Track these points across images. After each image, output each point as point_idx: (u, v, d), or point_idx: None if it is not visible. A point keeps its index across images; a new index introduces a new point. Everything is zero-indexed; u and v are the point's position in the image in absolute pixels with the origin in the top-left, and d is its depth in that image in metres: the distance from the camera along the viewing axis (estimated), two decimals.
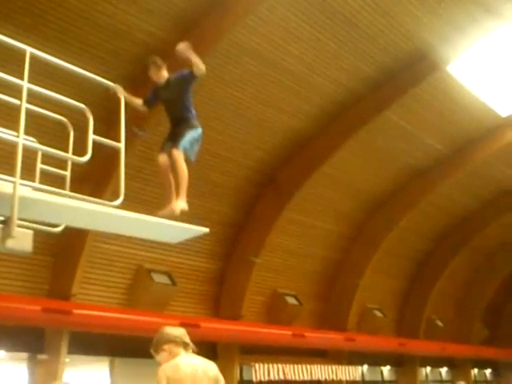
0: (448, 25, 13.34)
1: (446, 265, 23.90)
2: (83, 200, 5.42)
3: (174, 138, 6.40)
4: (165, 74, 6.64)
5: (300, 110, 15.10)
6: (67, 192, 5.68)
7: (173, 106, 6.63)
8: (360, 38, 13.25)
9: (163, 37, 11.57)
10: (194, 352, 4.90)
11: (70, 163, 6.16)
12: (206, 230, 6.35)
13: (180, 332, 4.93)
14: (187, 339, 4.89)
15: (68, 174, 6.18)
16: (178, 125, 6.50)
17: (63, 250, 12.71)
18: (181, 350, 4.81)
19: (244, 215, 16.89)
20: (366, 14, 12.56)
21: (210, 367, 4.80)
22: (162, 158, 6.37)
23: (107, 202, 5.57)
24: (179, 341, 4.85)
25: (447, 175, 19.45)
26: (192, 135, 6.41)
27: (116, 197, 5.49)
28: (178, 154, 6.18)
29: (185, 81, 6.56)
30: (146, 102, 6.80)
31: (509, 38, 14.02)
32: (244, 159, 15.69)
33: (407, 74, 14.69)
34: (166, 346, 4.83)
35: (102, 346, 13.66)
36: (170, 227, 6.06)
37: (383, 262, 21.01)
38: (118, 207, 5.59)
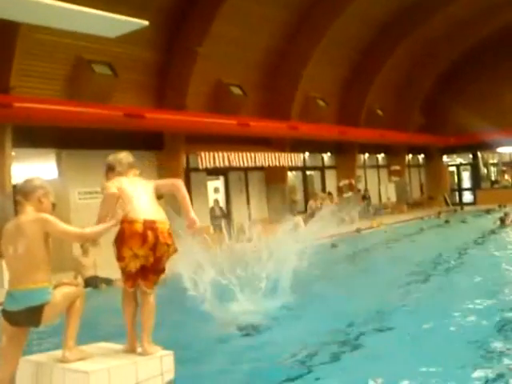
0: None
1: (388, 55, 24.04)
2: None
3: None
4: None
5: None
6: None
7: None
8: None
9: None
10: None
11: None
12: (145, 22, 6.12)
13: (114, 158, 5.09)
14: (121, 165, 5.03)
15: None
16: None
17: None
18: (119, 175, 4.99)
19: (186, 2, 16.17)
20: None
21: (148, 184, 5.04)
22: None
23: None
24: (117, 167, 5.03)
25: None
26: None
27: None
28: None
29: None
30: None
31: None
32: None
33: None
34: (109, 175, 5.05)
35: (48, 139, 13.65)
36: (108, 20, 5.78)
37: (327, 51, 20.90)
38: None
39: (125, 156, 5.13)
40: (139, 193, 4.85)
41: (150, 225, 4.63)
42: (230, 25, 17.07)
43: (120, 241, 4.66)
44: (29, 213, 4.39)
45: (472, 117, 26.36)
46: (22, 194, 4.47)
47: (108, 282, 10.52)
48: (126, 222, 4.65)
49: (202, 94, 17.67)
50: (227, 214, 18.68)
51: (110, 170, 5.05)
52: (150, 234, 4.59)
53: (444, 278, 9.74)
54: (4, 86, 12.34)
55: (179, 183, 5.20)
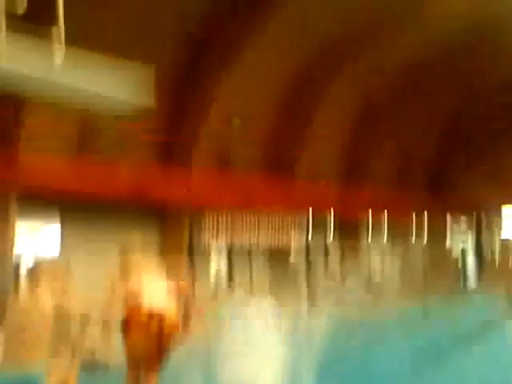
0: None
1: (391, 117, 23.66)
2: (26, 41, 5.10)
3: None
4: None
5: None
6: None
7: None
8: None
9: None
10: None
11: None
12: (151, 103, 6.24)
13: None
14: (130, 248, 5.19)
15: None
16: None
17: None
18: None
19: (196, 59, 16.28)
20: None
21: None
22: None
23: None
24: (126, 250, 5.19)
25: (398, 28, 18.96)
26: None
27: None
28: None
29: None
30: None
31: None
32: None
33: None
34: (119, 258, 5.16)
35: (53, 202, 13.48)
36: (113, 99, 5.86)
37: (330, 113, 20.95)
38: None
39: (135, 239, 5.22)
40: (147, 279, 4.90)
41: (156, 318, 4.64)
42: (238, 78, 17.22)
43: (125, 330, 4.72)
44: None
45: (477, 179, 26.13)
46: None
47: (106, 366, 10.10)
48: (132, 312, 4.67)
49: (206, 150, 17.61)
50: (229, 289, 18.29)
51: (121, 253, 5.15)
52: (155, 326, 4.60)
53: None
54: (12, 146, 12.43)
55: (186, 288, 5.20)
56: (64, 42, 5.23)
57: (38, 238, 13.57)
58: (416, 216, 27.65)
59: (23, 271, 11.84)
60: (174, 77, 16.00)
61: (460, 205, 28.30)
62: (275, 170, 19.71)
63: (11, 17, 5.47)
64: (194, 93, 16.48)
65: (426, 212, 28.17)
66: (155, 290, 4.80)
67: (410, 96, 23.47)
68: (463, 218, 30.98)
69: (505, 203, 26.37)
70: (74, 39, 5.34)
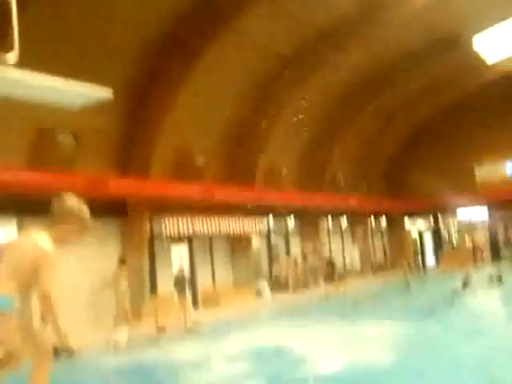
0: None
1: (349, 122, 24.71)
2: None
3: None
4: None
5: None
6: None
7: None
8: None
9: None
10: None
11: None
12: (109, 94, 6.07)
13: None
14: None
15: None
16: None
17: None
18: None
19: (151, 76, 16.44)
20: None
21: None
22: None
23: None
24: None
25: (354, 36, 19.52)
26: None
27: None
28: None
29: None
30: None
31: None
32: (150, 19, 15.03)
33: None
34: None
35: (9, 206, 13.44)
36: (70, 91, 5.81)
37: (289, 121, 21.34)
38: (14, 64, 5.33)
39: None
40: None
41: None
42: (193, 96, 17.35)
43: None
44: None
45: (432, 181, 26.99)
46: None
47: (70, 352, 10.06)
48: None
49: (165, 163, 17.73)
50: (192, 280, 18.45)
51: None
52: None
53: None
54: None
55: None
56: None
57: None
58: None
59: None
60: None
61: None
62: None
63: None
64: (151, 107, 16.61)
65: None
66: None
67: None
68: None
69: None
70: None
